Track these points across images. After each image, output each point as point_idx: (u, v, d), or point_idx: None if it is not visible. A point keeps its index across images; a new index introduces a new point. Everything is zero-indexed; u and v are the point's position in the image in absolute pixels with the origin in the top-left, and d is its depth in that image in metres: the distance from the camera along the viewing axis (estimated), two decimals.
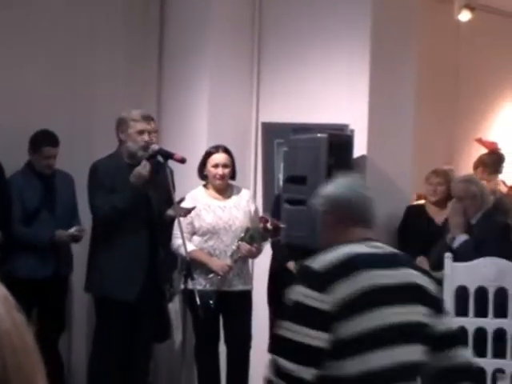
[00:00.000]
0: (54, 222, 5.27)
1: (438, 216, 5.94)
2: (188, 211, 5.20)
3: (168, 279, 5.42)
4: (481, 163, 6.95)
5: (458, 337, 2.98)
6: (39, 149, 5.27)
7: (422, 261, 5.49)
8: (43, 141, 5.28)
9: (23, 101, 5.53)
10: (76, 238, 5.31)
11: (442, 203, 5.93)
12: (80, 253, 5.46)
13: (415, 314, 2.79)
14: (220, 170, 5.49)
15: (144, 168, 4.99)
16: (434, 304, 2.83)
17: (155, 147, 5.09)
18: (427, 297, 2.82)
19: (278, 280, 5.67)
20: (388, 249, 2.94)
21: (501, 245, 5.17)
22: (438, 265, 5.17)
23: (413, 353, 2.77)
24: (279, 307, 5.50)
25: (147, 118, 5.21)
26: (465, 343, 3.30)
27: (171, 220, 5.18)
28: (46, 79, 5.66)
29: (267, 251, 5.63)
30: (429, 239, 5.64)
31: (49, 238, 5.20)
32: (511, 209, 5.90)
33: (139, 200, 5.06)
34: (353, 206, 2.89)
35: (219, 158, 5.50)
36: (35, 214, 5.26)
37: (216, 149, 5.54)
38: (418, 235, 5.84)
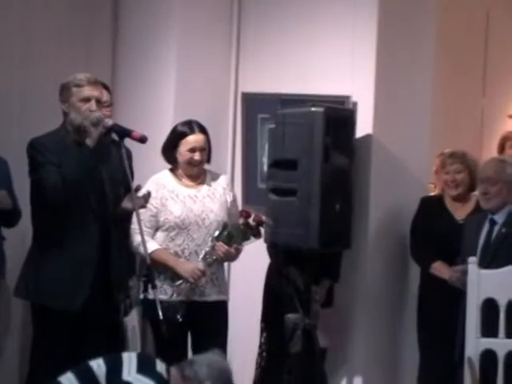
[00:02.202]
0: None
1: (459, 211, 5.89)
2: (144, 201, 5.09)
3: (123, 287, 5.29)
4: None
5: None
6: None
7: (439, 267, 5.45)
8: None
9: None
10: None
11: (463, 196, 5.88)
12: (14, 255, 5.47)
13: None
14: (197, 155, 5.46)
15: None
16: None
17: (108, 122, 4.96)
18: None
19: (275, 292, 5.82)
20: None
21: None
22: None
23: None
24: (274, 329, 5.72)
25: (94, 83, 5.08)
26: None
27: (127, 213, 5.10)
28: None
29: (248, 252, 5.58)
30: (447, 240, 5.66)
31: None
32: None
33: (90, 184, 4.97)
34: None
35: (196, 139, 5.47)
36: None
37: (190, 128, 5.50)
38: (434, 235, 5.83)
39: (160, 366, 3.87)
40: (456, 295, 5.38)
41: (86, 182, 4.96)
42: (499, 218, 5.30)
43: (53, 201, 4.93)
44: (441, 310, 5.68)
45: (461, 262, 5.28)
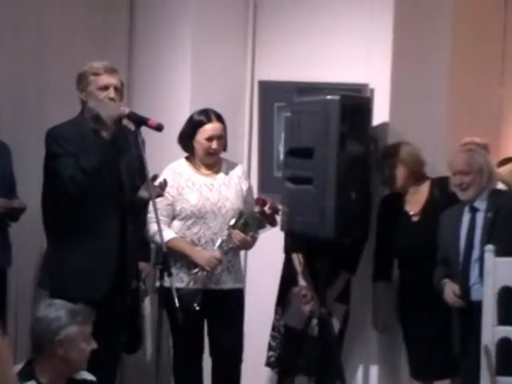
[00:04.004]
0: None
1: (411, 205, 5.85)
2: (161, 189, 5.12)
3: (139, 275, 5.44)
4: None
5: None
6: None
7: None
8: None
9: None
10: (15, 212, 5.28)
11: (407, 189, 5.85)
12: (22, 244, 5.54)
13: None
14: (215, 144, 5.53)
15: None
16: None
17: (125, 110, 4.98)
18: None
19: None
20: None
21: None
22: None
23: None
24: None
25: (112, 71, 5.12)
26: None
27: (144, 203, 5.15)
28: None
29: (264, 240, 5.62)
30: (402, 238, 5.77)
31: None
32: None
33: (108, 174, 5.01)
34: None
35: (214, 128, 5.53)
36: None
37: (207, 116, 5.55)
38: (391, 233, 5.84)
39: None
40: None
41: (103, 172, 5.00)
42: (480, 204, 5.35)
43: (71, 191, 4.97)
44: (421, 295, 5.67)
45: (442, 261, 5.38)
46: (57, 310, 3.92)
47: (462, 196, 5.38)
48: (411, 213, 5.77)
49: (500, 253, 4.97)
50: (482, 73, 6.77)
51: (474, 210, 5.34)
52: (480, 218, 5.33)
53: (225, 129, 5.58)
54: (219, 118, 5.56)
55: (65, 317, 3.89)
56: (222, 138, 5.54)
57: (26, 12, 5.79)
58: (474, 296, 5.11)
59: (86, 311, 3.99)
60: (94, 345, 4.01)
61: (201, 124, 5.53)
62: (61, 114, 5.27)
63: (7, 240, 5.38)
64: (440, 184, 5.73)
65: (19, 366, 3.86)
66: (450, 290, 5.26)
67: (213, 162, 5.60)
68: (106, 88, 5.05)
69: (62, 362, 3.90)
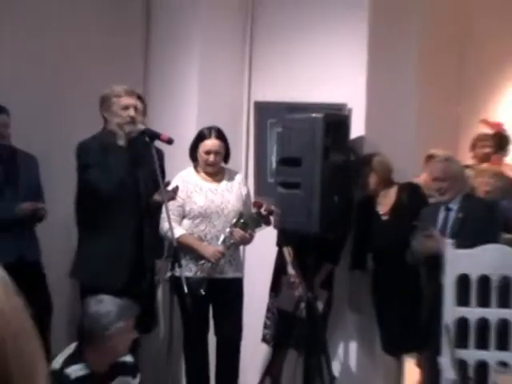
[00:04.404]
0: (18, 200, 5.33)
1: (382, 206, 5.82)
2: (174, 193, 5.18)
3: (153, 266, 5.43)
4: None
5: None
6: None
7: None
8: None
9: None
10: (41, 213, 5.35)
11: (379, 193, 5.82)
12: (53, 241, 5.59)
13: None
14: (211, 158, 5.52)
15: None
16: None
17: (141, 127, 5.07)
18: None
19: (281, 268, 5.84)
20: None
21: (491, 227, 5.23)
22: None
23: None
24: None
25: (131, 93, 5.20)
26: None
27: (158, 205, 5.18)
28: (21, 58, 5.68)
29: (260, 237, 5.64)
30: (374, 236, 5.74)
31: (13, 210, 5.25)
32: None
33: (128, 181, 5.06)
34: None
35: (212, 144, 5.51)
36: None
37: (209, 133, 5.52)
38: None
39: None
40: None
41: (124, 178, 5.04)
42: (453, 205, 5.37)
43: (99, 197, 5.04)
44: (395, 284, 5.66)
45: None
46: (106, 306, 3.82)
47: (441, 198, 5.40)
48: (381, 213, 5.77)
49: (466, 246, 4.92)
50: (443, 93, 6.60)
51: (447, 210, 5.38)
52: (452, 217, 5.36)
53: (224, 145, 5.56)
54: (219, 136, 5.54)
55: (114, 313, 3.79)
56: (219, 153, 5.52)
57: (49, 35, 5.82)
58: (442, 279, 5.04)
59: (131, 307, 3.91)
60: (135, 334, 3.96)
61: (202, 139, 5.54)
62: (85, 129, 5.33)
63: (35, 236, 5.48)
64: (406, 188, 5.77)
65: (68, 351, 3.89)
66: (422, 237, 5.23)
67: (210, 171, 5.59)
68: (126, 108, 5.13)
69: (110, 350, 3.86)
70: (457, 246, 4.98)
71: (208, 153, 5.52)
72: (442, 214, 5.40)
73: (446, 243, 5.03)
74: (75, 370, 3.81)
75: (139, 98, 5.59)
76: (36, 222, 5.43)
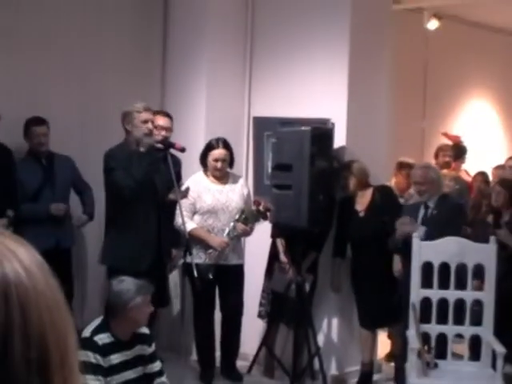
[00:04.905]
0: (55, 198, 5.44)
1: (359, 205, 5.73)
2: (186, 193, 5.32)
3: (169, 254, 5.48)
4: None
5: None
6: (28, 130, 5.51)
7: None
8: (30, 123, 5.52)
9: (40, 95, 5.72)
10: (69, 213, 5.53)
11: (357, 193, 5.72)
12: (84, 231, 5.74)
13: None
14: (219, 164, 5.62)
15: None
16: None
17: (158, 138, 5.23)
18: None
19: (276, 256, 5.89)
20: None
21: (456, 221, 5.36)
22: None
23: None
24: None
25: (149, 110, 5.37)
26: None
27: (172, 202, 5.31)
28: (60, 76, 5.85)
29: (258, 230, 5.64)
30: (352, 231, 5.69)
31: (46, 210, 5.35)
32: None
33: (147, 182, 5.16)
34: None
35: (219, 153, 5.61)
36: (38, 193, 5.42)
37: (217, 143, 5.61)
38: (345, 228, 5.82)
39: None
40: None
41: (145, 180, 5.12)
42: (431, 203, 5.46)
43: (125, 195, 5.12)
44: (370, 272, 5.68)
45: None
46: (127, 285, 3.90)
47: (420, 199, 5.48)
48: (359, 210, 5.75)
49: (435, 234, 4.97)
50: (410, 111, 6.73)
51: (426, 207, 5.45)
52: (429, 213, 5.40)
53: (230, 153, 5.65)
54: (225, 146, 5.62)
55: (133, 291, 3.88)
56: (225, 161, 5.62)
57: (70, 55, 5.89)
58: None
59: (147, 286, 4.01)
60: (151, 308, 4.04)
61: (211, 148, 5.63)
62: (112, 138, 5.38)
63: (71, 226, 5.61)
64: (380, 190, 5.78)
65: (96, 322, 3.98)
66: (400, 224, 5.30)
67: (218, 176, 5.66)
68: (145, 122, 5.28)
69: (131, 321, 3.94)
70: (428, 232, 5.11)
71: (216, 160, 5.63)
72: (422, 211, 5.49)
73: (418, 226, 5.18)
74: (102, 338, 3.93)
75: (168, 116, 5.75)
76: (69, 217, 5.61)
